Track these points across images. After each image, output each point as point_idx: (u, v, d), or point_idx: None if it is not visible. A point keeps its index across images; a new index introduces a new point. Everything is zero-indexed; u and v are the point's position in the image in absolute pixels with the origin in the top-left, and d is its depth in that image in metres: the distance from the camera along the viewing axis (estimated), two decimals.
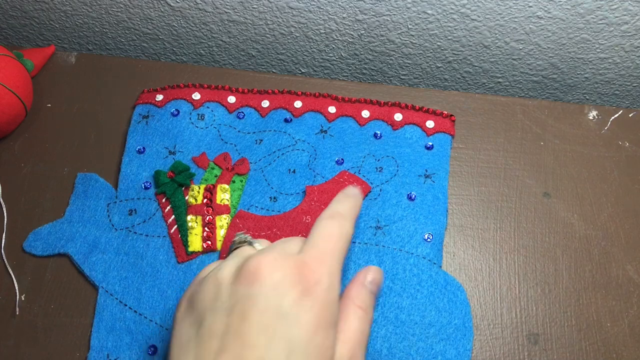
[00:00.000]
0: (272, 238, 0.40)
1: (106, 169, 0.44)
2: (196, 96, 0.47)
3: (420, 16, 0.51)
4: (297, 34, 0.55)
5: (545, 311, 0.39)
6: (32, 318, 0.39)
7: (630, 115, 0.48)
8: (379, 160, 0.44)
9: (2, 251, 0.41)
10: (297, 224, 0.41)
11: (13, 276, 0.40)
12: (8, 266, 0.40)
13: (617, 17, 0.49)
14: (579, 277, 0.41)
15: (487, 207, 0.44)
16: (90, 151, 0.46)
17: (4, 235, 0.42)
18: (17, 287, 0.39)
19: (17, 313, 0.39)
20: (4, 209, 0.43)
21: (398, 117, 0.46)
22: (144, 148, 0.44)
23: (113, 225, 0.41)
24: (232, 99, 0.47)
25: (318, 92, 0.47)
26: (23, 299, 0.39)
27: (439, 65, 0.57)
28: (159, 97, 0.47)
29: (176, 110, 0.46)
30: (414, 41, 0.54)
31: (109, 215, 0.42)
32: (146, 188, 0.43)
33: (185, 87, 0.47)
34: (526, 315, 0.39)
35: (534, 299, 0.40)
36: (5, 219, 0.42)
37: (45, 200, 0.43)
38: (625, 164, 0.46)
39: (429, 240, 0.40)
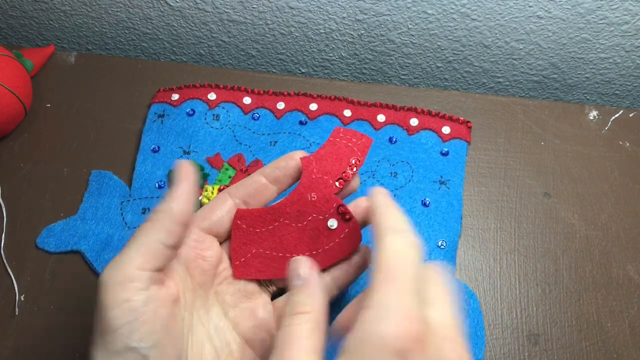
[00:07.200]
0: (281, 228, 0.36)
1: (106, 169, 0.44)
2: (212, 96, 0.47)
3: (420, 16, 0.51)
4: (297, 34, 0.55)
5: (545, 311, 0.39)
6: (32, 318, 0.38)
7: (630, 115, 0.48)
8: (393, 165, 0.44)
9: (2, 251, 0.41)
10: (304, 205, 0.35)
11: (13, 276, 0.40)
12: (8, 266, 0.40)
13: (617, 16, 0.49)
14: (580, 277, 0.41)
15: (487, 207, 0.44)
16: (90, 151, 0.45)
17: (3, 235, 0.41)
18: (16, 288, 0.39)
19: (17, 313, 0.39)
20: (4, 209, 0.43)
21: (414, 122, 0.46)
22: (158, 147, 0.44)
23: (126, 224, 0.41)
24: (247, 100, 0.47)
25: (334, 95, 0.47)
26: (23, 299, 0.39)
27: (439, 65, 0.57)
28: (175, 97, 0.47)
29: (191, 110, 0.46)
30: (414, 41, 0.54)
31: (122, 214, 0.42)
32: (160, 187, 0.42)
33: (201, 87, 0.47)
34: (526, 316, 0.39)
35: (535, 299, 0.40)
36: (5, 219, 0.42)
37: (45, 200, 0.43)
38: (626, 164, 0.46)
39: (442, 247, 0.40)
